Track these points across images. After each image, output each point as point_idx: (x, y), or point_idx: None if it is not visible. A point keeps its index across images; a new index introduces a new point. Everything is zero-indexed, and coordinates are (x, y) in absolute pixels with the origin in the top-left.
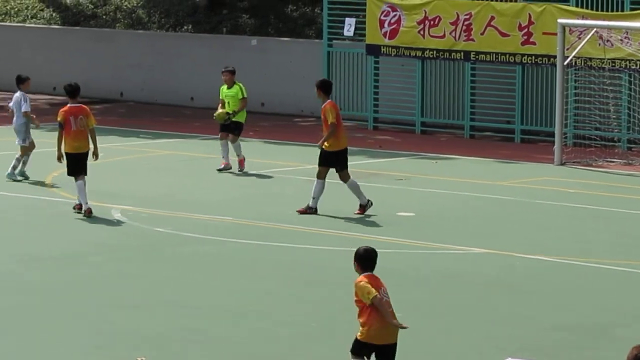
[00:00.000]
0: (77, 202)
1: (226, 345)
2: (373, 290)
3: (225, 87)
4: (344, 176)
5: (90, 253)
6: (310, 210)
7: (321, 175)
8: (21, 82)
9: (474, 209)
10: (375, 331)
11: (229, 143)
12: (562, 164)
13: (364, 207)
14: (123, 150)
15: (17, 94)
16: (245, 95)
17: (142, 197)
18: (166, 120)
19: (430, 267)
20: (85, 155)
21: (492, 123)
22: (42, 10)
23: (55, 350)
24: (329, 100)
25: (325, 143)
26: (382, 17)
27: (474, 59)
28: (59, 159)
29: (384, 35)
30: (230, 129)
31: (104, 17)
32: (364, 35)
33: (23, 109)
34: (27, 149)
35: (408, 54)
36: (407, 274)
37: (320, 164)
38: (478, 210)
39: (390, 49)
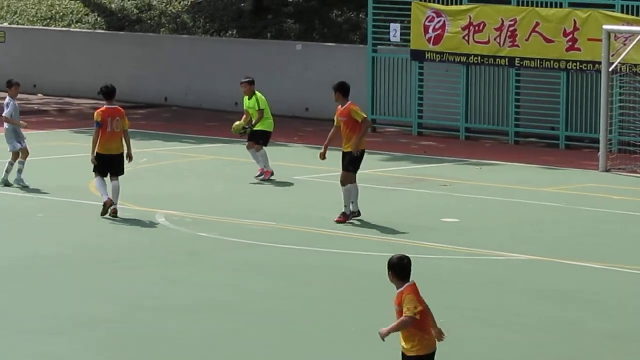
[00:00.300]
0: (106, 199)
1: (271, 350)
2: (419, 305)
3: (246, 98)
4: (352, 178)
5: (134, 257)
6: (354, 215)
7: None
8: (9, 86)
9: (518, 215)
10: (421, 342)
11: (255, 152)
12: (607, 171)
13: (348, 216)
14: (167, 154)
15: (6, 99)
16: (262, 107)
17: (186, 202)
18: (210, 125)
19: (474, 273)
20: (118, 157)
21: (536, 129)
22: (87, 14)
23: (99, 355)
24: (350, 101)
25: (344, 144)
26: (426, 23)
27: (518, 64)
28: (92, 161)
29: (429, 40)
30: (255, 139)
31: (149, 21)
32: (409, 40)
33: (3, 114)
34: (17, 155)
35: (452, 60)
36: (451, 279)
37: (346, 168)
38: (522, 216)
39: (434, 54)
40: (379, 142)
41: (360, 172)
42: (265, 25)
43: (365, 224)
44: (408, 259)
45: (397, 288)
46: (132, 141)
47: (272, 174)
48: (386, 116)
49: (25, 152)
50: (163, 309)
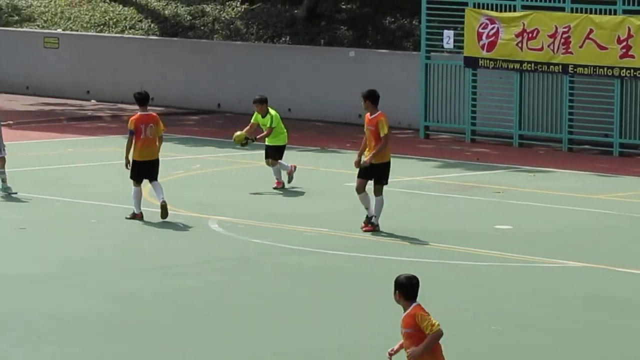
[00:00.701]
0: (138, 212)
1: (323, 355)
2: (435, 321)
3: (259, 116)
4: (380, 190)
5: (187, 264)
6: (375, 227)
7: (362, 189)
8: None
9: (572, 222)
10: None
11: (271, 166)
12: None
13: (373, 225)
14: (220, 161)
15: None
16: (274, 125)
17: (239, 208)
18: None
19: (527, 280)
20: (153, 163)
21: (590, 136)
22: (140, 21)
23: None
24: (380, 112)
25: (368, 155)
26: (480, 30)
27: (572, 71)
28: (127, 165)
29: (482, 47)
30: (272, 155)
31: (202, 28)
32: (462, 47)
33: None
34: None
35: (506, 67)
36: (503, 287)
37: (360, 176)
38: (575, 224)
39: (488, 61)
40: (432, 149)
41: (412, 179)
42: (318, 32)
43: (417, 231)
44: (416, 278)
45: (404, 309)
46: (185, 147)
47: (283, 185)
48: (439, 123)
49: (2, 161)
50: (216, 315)
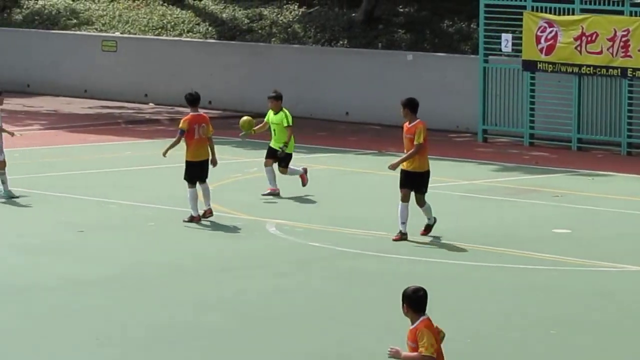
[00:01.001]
0: (207, 208)
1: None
2: (436, 343)
3: (271, 112)
4: (422, 199)
5: (245, 267)
6: (403, 236)
7: (407, 198)
8: None
9: (631, 226)
10: None
11: (277, 173)
12: None
13: (430, 227)
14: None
15: None
16: (291, 123)
17: (296, 211)
18: (321, 134)
19: (586, 284)
20: (205, 163)
21: None
22: (198, 24)
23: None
24: (419, 120)
25: (406, 163)
26: (538, 33)
27: (631, 75)
28: (165, 154)
29: (541, 51)
30: (279, 161)
31: (260, 31)
32: (520, 51)
33: None
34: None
35: (565, 70)
36: (562, 290)
37: (403, 186)
38: (635, 228)
39: (546, 64)
40: (490, 152)
41: (470, 183)
42: (376, 35)
43: (475, 234)
44: (424, 291)
45: (412, 322)
46: (242, 150)
47: (277, 193)
48: (497, 127)
49: (2, 164)
50: (274, 319)
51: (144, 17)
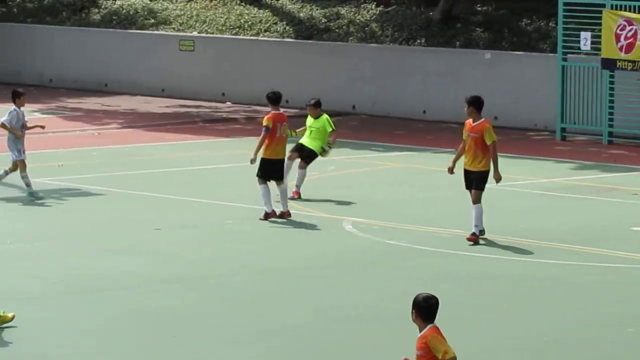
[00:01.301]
0: (270, 211)
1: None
2: (451, 349)
3: (311, 118)
4: (478, 196)
5: (322, 266)
6: (479, 236)
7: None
8: (17, 96)
9: None
10: None
11: (298, 169)
12: None
13: (477, 236)
14: (355, 162)
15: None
16: (335, 128)
17: (374, 209)
18: (398, 133)
19: None
20: (281, 162)
21: None
22: (275, 23)
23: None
24: (484, 119)
25: (471, 163)
26: (618, 31)
27: None
28: (252, 161)
29: (620, 49)
30: (303, 156)
31: (337, 30)
32: (599, 49)
33: (1, 120)
34: (16, 166)
35: None
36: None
37: (469, 186)
38: None
39: (626, 63)
40: (568, 150)
41: (549, 181)
42: (454, 34)
43: (553, 233)
44: (436, 299)
45: (420, 330)
46: None
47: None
48: (576, 125)
49: (22, 165)
50: (351, 318)
51: (221, 17)
